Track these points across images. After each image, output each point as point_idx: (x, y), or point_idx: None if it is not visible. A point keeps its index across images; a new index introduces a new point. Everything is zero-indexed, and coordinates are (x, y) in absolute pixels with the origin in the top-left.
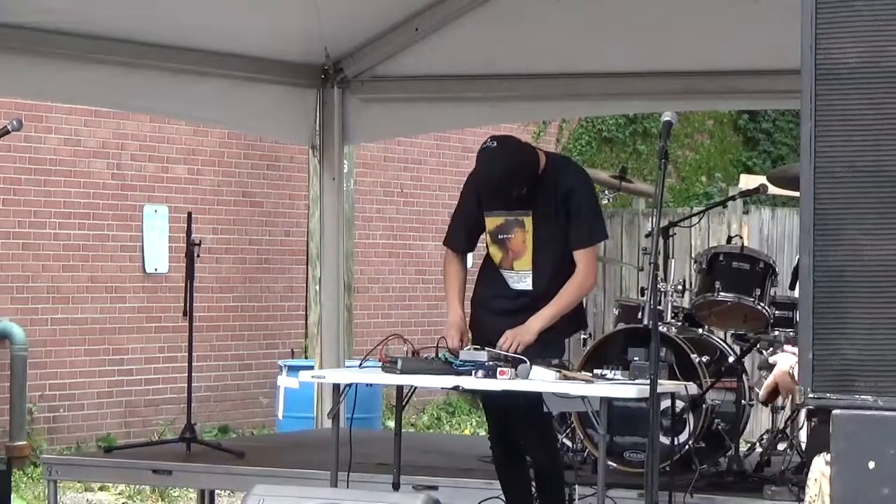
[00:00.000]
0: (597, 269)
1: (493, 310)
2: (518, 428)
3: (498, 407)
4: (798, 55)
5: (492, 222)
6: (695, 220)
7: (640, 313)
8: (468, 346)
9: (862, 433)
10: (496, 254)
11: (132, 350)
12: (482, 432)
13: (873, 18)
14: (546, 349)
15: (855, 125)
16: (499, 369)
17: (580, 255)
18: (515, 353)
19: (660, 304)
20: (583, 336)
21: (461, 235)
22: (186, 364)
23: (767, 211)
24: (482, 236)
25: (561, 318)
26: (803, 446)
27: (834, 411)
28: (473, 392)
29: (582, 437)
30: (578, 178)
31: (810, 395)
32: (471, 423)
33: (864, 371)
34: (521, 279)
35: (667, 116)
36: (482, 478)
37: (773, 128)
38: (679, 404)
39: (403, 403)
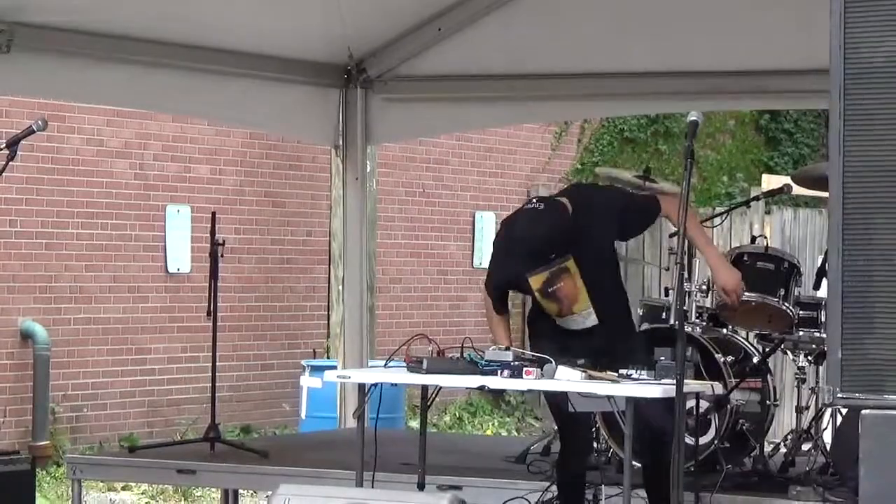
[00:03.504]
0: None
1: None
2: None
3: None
4: (823, 54)
5: (536, 281)
6: (718, 220)
7: (664, 313)
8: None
9: (891, 433)
10: (551, 307)
11: (154, 350)
12: (504, 432)
13: None
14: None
15: (884, 124)
16: (524, 369)
17: (666, 211)
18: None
19: (685, 304)
20: None
21: (499, 303)
22: (209, 364)
23: (790, 211)
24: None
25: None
26: (828, 447)
27: (863, 411)
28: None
29: (606, 437)
30: (604, 193)
31: (839, 395)
32: (493, 424)
33: (893, 371)
34: (586, 318)
35: (693, 116)
36: (506, 478)
37: (795, 128)
38: (704, 404)
39: (428, 403)
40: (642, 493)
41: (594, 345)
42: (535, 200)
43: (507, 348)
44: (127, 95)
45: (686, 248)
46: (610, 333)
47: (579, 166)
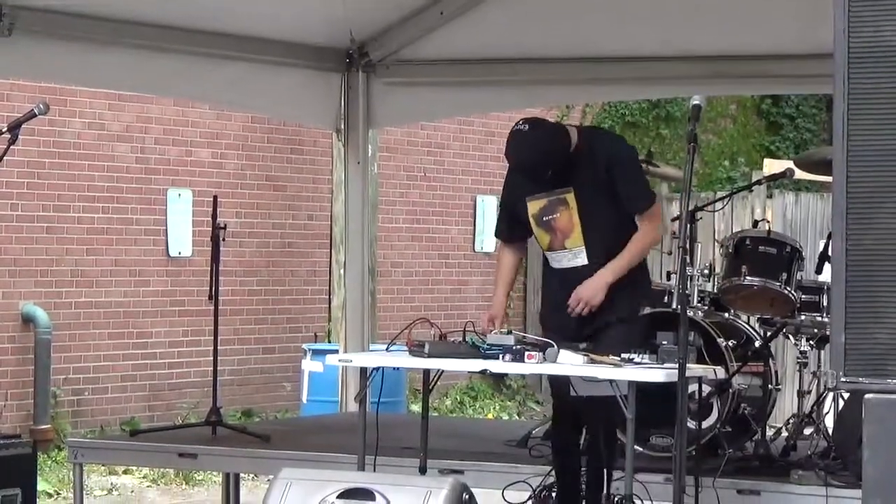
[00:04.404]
0: (661, 222)
1: (558, 301)
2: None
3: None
4: (826, 38)
5: (534, 206)
6: (720, 204)
7: (666, 297)
8: (495, 330)
9: (894, 417)
10: (543, 237)
11: (156, 334)
12: (505, 416)
13: None
14: (627, 343)
15: (889, 108)
16: (526, 353)
17: (640, 218)
18: (583, 314)
19: (687, 288)
20: None
21: (504, 226)
22: (210, 348)
23: (791, 195)
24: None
25: (633, 305)
26: (829, 431)
27: (866, 395)
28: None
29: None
30: (616, 146)
31: (842, 379)
32: (493, 408)
33: None
34: (575, 256)
35: (696, 100)
36: (508, 462)
37: (797, 112)
38: (706, 388)
39: (430, 387)
40: (643, 477)
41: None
42: (520, 122)
43: (509, 332)
44: (128, 79)
45: (688, 233)
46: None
47: None
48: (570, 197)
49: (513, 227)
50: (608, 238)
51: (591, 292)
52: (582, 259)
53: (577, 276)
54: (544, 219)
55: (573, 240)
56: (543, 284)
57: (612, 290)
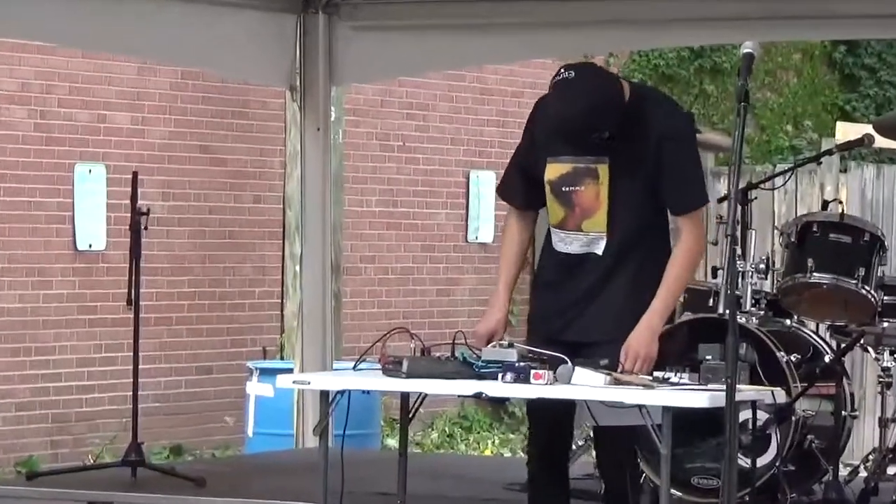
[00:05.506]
0: (704, 233)
1: (549, 297)
2: (600, 441)
3: (553, 415)
4: None
5: (554, 170)
6: (780, 180)
7: (711, 300)
8: (494, 345)
9: None
10: (557, 210)
11: (60, 349)
12: (507, 453)
13: None
14: None
15: None
16: (533, 372)
17: (684, 221)
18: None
19: (737, 288)
20: None
21: (516, 185)
22: (129, 367)
23: (871, 169)
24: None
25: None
26: None
27: None
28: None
29: (638, 458)
30: (676, 119)
31: None
32: (492, 441)
33: None
34: (591, 243)
35: (747, 48)
36: None
37: (879, 63)
38: (762, 416)
39: (410, 416)
40: None
41: (584, 284)
42: (563, 70)
43: (510, 344)
44: (32, 27)
45: (739, 217)
46: (607, 280)
47: None
48: (604, 169)
49: (528, 190)
50: (631, 231)
51: (644, 347)
52: (597, 248)
53: (582, 266)
54: (563, 189)
55: (594, 222)
56: (538, 268)
57: (629, 292)
